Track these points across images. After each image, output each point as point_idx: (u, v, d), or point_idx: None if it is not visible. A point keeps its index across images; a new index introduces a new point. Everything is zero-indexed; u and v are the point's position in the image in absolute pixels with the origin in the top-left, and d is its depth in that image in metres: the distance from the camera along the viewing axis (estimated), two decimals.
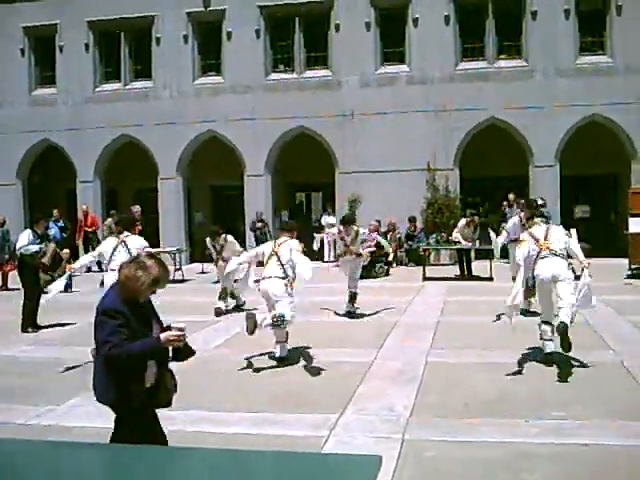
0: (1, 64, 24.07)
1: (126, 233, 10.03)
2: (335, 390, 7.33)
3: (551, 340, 8.27)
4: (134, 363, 4.12)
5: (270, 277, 8.80)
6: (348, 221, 12.70)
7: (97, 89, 23.85)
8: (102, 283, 10.07)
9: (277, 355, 8.86)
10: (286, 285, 8.81)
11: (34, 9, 23.62)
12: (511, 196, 19.54)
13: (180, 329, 4.23)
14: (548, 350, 8.27)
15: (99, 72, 23.99)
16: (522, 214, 11.58)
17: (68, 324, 11.90)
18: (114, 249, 9.77)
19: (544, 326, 8.35)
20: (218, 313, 12.49)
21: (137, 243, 9.90)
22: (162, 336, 4.18)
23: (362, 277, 13.63)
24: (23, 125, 23.64)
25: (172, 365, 8.47)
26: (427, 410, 6.58)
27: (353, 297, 12.27)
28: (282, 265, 8.84)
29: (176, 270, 18.88)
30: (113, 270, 9.28)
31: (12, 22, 23.73)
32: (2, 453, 3.32)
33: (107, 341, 4.04)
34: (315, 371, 8.28)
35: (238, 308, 12.96)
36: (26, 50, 24.18)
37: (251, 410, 6.72)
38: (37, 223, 12.05)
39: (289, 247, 8.96)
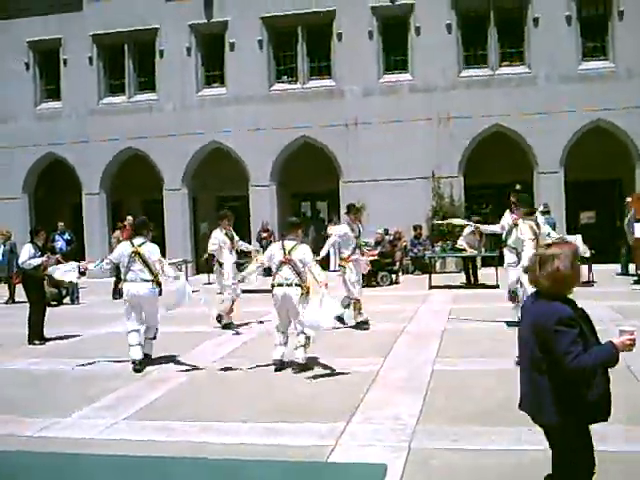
0: (6, 79, 24.20)
1: (140, 239, 9.54)
2: (341, 399, 7.32)
3: None
4: (591, 375, 3.75)
5: (290, 285, 8.88)
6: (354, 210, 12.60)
7: (101, 102, 23.97)
8: (120, 294, 9.57)
9: (300, 361, 8.90)
10: (302, 294, 8.92)
11: (38, 23, 23.78)
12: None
13: (632, 332, 3.79)
14: None
15: (103, 85, 24.13)
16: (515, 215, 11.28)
17: (73, 336, 11.92)
18: (130, 258, 9.38)
19: None
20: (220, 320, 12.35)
21: (152, 251, 9.46)
22: (616, 342, 3.77)
23: (362, 286, 13.54)
24: (28, 139, 23.79)
25: (178, 375, 8.46)
26: (434, 418, 6.57)
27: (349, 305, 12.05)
28: (298, 273, 8.94)
29: None
30: (133, 281, 9.36)
31: (16, 37, 23.90)
32: (9, 465, 3.32)
33: (568, 352, 3.63)
34: (321, 380, 8.28)
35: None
36: (31, 64, 24.34)
37: (258, 420, 6.71)
38: (37, 235, 12.04)
39: (300, 256, 8.96)
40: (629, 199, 17.81)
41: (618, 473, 5.15)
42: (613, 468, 5.24)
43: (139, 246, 9.42)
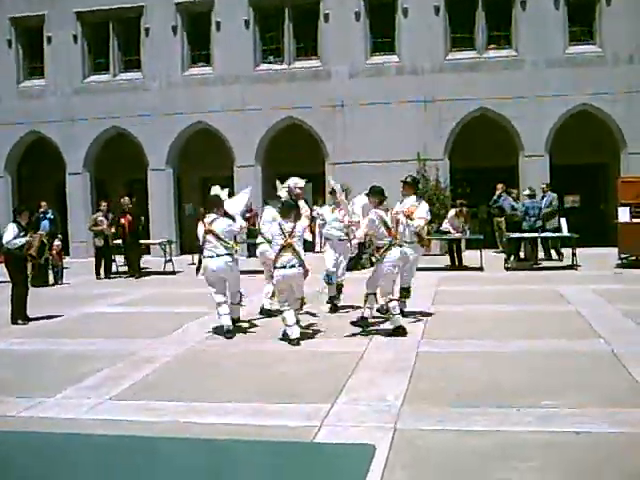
0: None
1: (212, 217, 9.86)
2: (327, 380, 7.33)
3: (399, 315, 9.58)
4: None
5: (293, 266, 9.25)
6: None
7: (86, 80, 23.70)
8: (198, 270, 10.13)
9: (292, 337, 9.11)
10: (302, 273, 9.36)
11: (21, 0, 23.43)
12: (500, 186, 19.50)
13: None
14: (399, 323, 9.41)
15: (88, 63, 23.84)
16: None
17: (57, 316, 11.86)
18: (204, 236, 9.78)
19: (394, 303, 9.57)
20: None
21: (224, 225, 9.79)
22: None
23: (348, 269, 13.47)
24: (11, 117, 23.49)
25: (163, 355, 8.42)
26: (419, 399, 6.59)
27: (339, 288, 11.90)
28: (298, 254, 9.30)
29: (166, 262, 18.85)
30: (206, 257, 9.79)
31: None
32: None
33: None
34: (307, 361, 8.29)
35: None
36: (13, 41, 23.98)
37: (243, 400, 6.71)
38: (20, 215, 11.97)
39: (301, 233, 9.50)
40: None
41: (609, 455, 5.21)
42: (604, 450, 5.30)
43: (210, 224, 9.80)
